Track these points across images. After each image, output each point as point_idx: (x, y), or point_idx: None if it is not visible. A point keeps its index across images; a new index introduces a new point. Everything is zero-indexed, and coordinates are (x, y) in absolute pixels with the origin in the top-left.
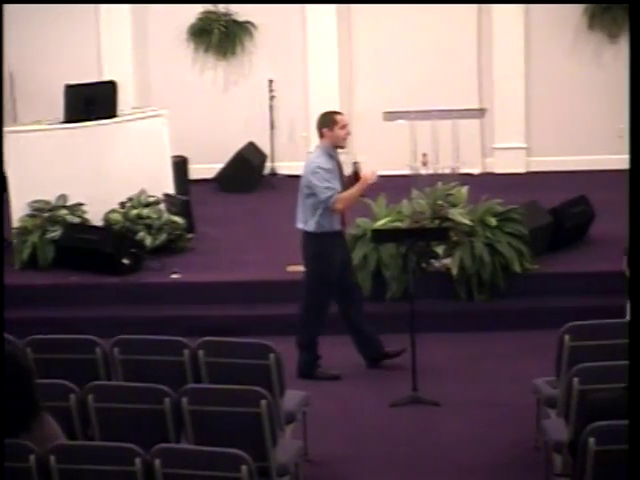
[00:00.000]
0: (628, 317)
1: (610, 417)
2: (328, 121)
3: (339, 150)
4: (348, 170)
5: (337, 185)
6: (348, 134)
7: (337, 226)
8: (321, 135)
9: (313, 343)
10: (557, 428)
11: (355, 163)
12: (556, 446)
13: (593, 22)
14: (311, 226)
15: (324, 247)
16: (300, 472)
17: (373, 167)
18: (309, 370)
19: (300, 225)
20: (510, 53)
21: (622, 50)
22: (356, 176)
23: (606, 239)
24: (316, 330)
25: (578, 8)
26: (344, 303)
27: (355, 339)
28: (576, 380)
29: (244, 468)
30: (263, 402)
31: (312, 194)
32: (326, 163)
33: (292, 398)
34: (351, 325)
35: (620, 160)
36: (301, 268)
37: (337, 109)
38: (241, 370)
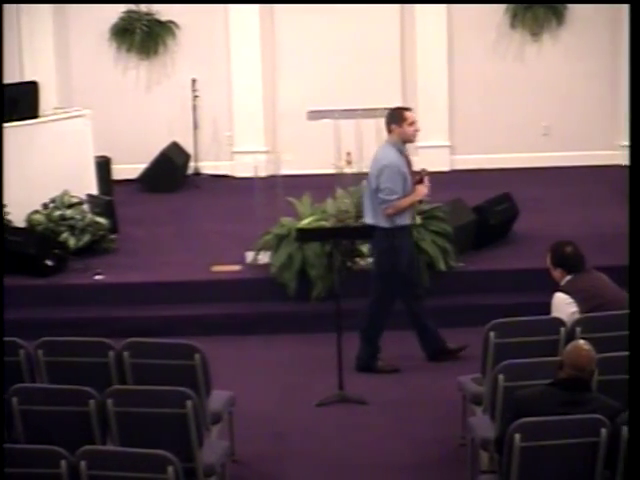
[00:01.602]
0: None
1: (535, 413)
2: (397, 117)
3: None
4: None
5: (399, 188)
6: (417, 131)
7: (408, 220)
8: (389, 131)
9: (378, 336)
10: (483, 425)
11: (423, 170)
12: (482, 443)
13: (515, 21)
14: (383, 221)
15: (396, 242)
16: (226, 472)
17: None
18: (370, 363)
19: (370, 220)
20: (433, 52)
21: (544, 48)
22: (420, 182)
23: (530, 236)
24: (382, 324)
25: (500, 7)
26: (408, 297)
27: (419, 334)
28: (501, 377)
29: (170, 469)
30: (189, 402)
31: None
32: (396, 158)
33: (218, 398)
34: (415, 319)
35: (544, 158)
36: (226, 268)
37: (260, 109)
38: (166, 371)
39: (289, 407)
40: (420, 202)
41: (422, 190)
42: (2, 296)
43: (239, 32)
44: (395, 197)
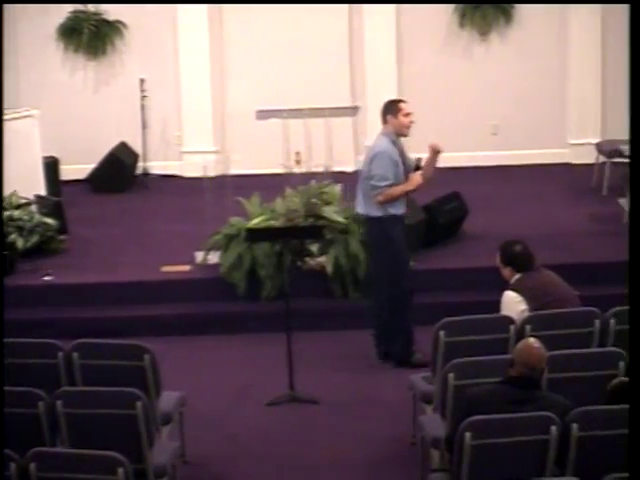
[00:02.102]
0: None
1: (486, 411)
2: (392, 108)
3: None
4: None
5: (391, 175)
6: (412, 122)
7: (401, 209)
8: (385, 121)
9: (409, 330)
10: (433, 424)
11: (418, 159)
12: (433, 441)
13: (463, 20)
14: (375, 210)
15: (391, 229)
16: (177, 473)
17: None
18: (407, 357)
19: (361, 210)
20: (381, 51)
21: (492, 47)
22: (416, 169)
23: (480, 235)
24: (407, 316)
25: (449, 6)
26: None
27: (380, 330)
28: (451, 376)
29: (120, 470)
30: (138, 403)
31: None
32: (389, 147)
33: (168, 399)
34: (381, 315)
35: (493, 157)
36: (176, 268)
37: (209, 108)
38: (116, 372)
39: (240, 407)
40: (414, 191)
41: (416, 179)
42: (2, 296)
43: (187, 32)
44: (386, 183)
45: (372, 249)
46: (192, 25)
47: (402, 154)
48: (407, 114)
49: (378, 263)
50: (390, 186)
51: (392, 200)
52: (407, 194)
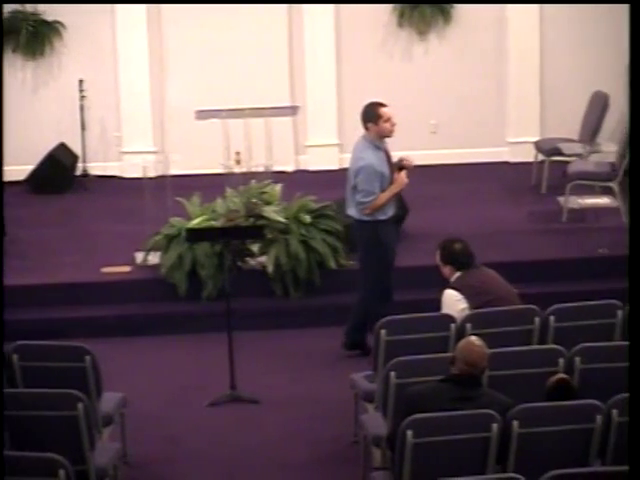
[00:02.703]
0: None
1: (427, 409)
2: (373, 115)
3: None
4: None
5: (377, 189)
6: (394, 125)
7: (390, 212)
8: (366, 128)
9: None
10: (375, 422)
11: (401, 160)
12: (374, 440)
13: (402, 20)
14: (365, 216)
15: (381, 233)
16: (119, 474)
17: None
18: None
19: (352, 213)
20: (321, 51)
21: (431, 47)
22: (400, 170)
23: (420, 234)
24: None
25: (387, 6)
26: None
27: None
28: (393, 374)
29: (62, 472)
30: (80, 405)
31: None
32: (373, 157)
33: (109, 400)
34: (360, 312)
35: (432, 155)
36: (116, 269)
37: (148, 109)
38: (57, 373)
39: (181, 408)
40: (401, 191)
41: (402, 179)
42: (2, 296)
43: (126, 32)
44: (372, 198)
45: (360, 250)
46: (131, 25)
47: (387, 156)
48: (388, 119)
49: (364, 264)
50: (375, 199)
51: (380, 208)
52: (395, 195)
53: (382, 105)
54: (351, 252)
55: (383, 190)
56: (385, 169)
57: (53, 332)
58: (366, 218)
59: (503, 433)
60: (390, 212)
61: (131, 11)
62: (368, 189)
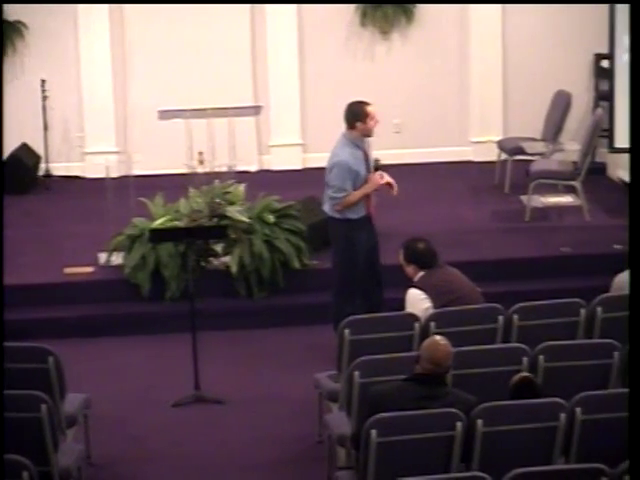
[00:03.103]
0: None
1: (392, 408)
2: (361, 114)
3: None
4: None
5: (348, 186)
6: (377, 123)
7: (362, 212)
8: (352, 127)
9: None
10: (339, 422)
11: (376, 160)
12: (339, 440)
13: (365, 19)
14: (336, 213)
15: (351, 232)
16: (83, 475)
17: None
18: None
19: (326, 209)
20: (284, 51)
21: (394, 46)
22: (376, 170)
23: (383, 233)
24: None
25: (350, 6)
26: (369, 287)
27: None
28: (357, 373)
29: (25, 474)
30: (43, 406)
31: None
32: (350, 156)
33: (73, 401)
34: (370, 309)
35: (396, 155)
36: (79, 270)
37: (111, 109)
38: (20, 375)
39: (145, 408)
40: (375, 191)
41: (375, 180)
42: (2, 296)
43: (88, 32)
44: (342, 195)
45: (334, 248)
46: (93, 26)
47: (366, 155)
48: (373, 118)
49: (334, 261)
50: (346, 196)
51: (351, 206)
52: (368, 195)
53: (367, 104)
54: (315, 252)
55: (356, 189)
56: (361, 168)
57: (16, 333)
58: (337, 215)
59: (467, 432)
60: (362, 212)
61: (93, 11)
62: (339, 185)
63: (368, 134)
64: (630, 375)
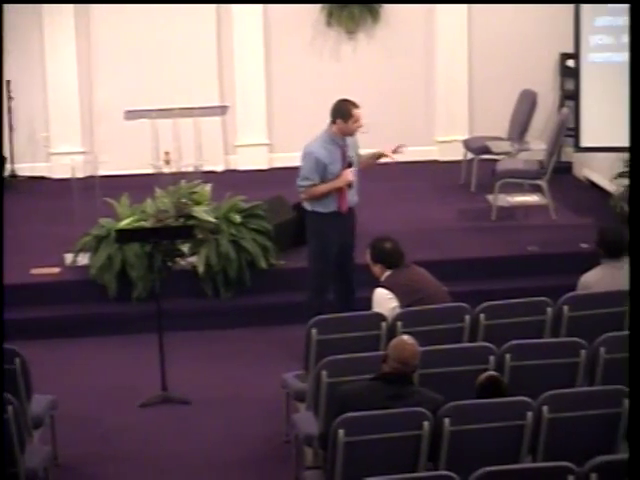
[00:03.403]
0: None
1: (359, 408)
2: (345, 113)
3: None
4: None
5: (315, 176)
6: (360, 127)
7: (331, 207)
8: (333, 122)
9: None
10: (307, 421)
11: (350, 157)
12: (306, 439)
13: (331, 19)
14: (307, 205)
15: (320, 225)
16: (50, 476)
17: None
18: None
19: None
20: (250, 50)
21: (360, 46)
22: (348, 167)
23: None
24: (317, 312)
25: (316, 6)
26: (341, 285)
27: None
28: (324, 373)
29: None
30: (9, 408)
31: None
32: (322, 149)
33: (39, 402)
34: (342, 310)
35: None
36: (46, 271)
37: (77, 109)
38: None
39: (112, 409)
40: (349, 187)
41: (345, 176)
42: (2, 296)
43: (54, 32)
44: (307, 183)
45: (308, 240)
46: (58, 26)
47: (343, 153)
48: (357, 121)
49: (309, 255)
50: (312, 186)
51: (316, 198)
52: (340, 190)
53: (356, 106)
54: (282, 252)
55: (325, 182)
56: (334, 164)
57: None
58: (308, 208)
59: (434, 431)
60: (332, 207)
61: (59, 11)
62: (305, 174)
63: (346, 133)
64: (630, 375)
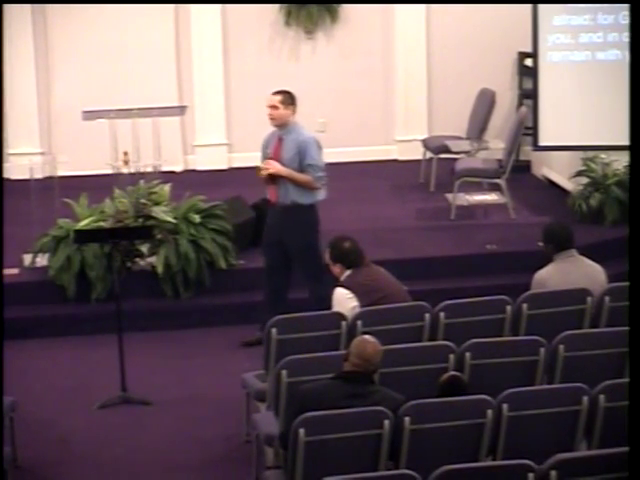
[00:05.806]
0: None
1: (320, 407)
2: None
3: None
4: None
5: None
6: (270, 114)
7: (267, 195)
8: None
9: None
10: (267, 421)
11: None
12: (267, 439)
13: (289, 19)
14: (304, 198)
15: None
16: (9, 478)
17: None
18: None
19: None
20: (208, 50)
21: (319, 46)
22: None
23: None
24: (269, 307)
25: (274, 5)
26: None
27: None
28: (284, 373)
29: None
30: None
31: None
32: (267, 135)
33: None
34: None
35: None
36: (5, 272)
37: (35, 110)
38: None
39: (71, 410)
40: (271, 180)
41: (266, 164)
42: (2, 297)
43: (11, 32)
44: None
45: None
46: (15, 26)
47: (276, 146)
48: (267, 106)
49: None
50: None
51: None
52: (274, 182)
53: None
54: (241, 252)
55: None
56: (268, 147)
57: None
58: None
59: (395, 430)
60: (267, 195)
61: (16, 11)
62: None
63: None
64: (631, 374)
